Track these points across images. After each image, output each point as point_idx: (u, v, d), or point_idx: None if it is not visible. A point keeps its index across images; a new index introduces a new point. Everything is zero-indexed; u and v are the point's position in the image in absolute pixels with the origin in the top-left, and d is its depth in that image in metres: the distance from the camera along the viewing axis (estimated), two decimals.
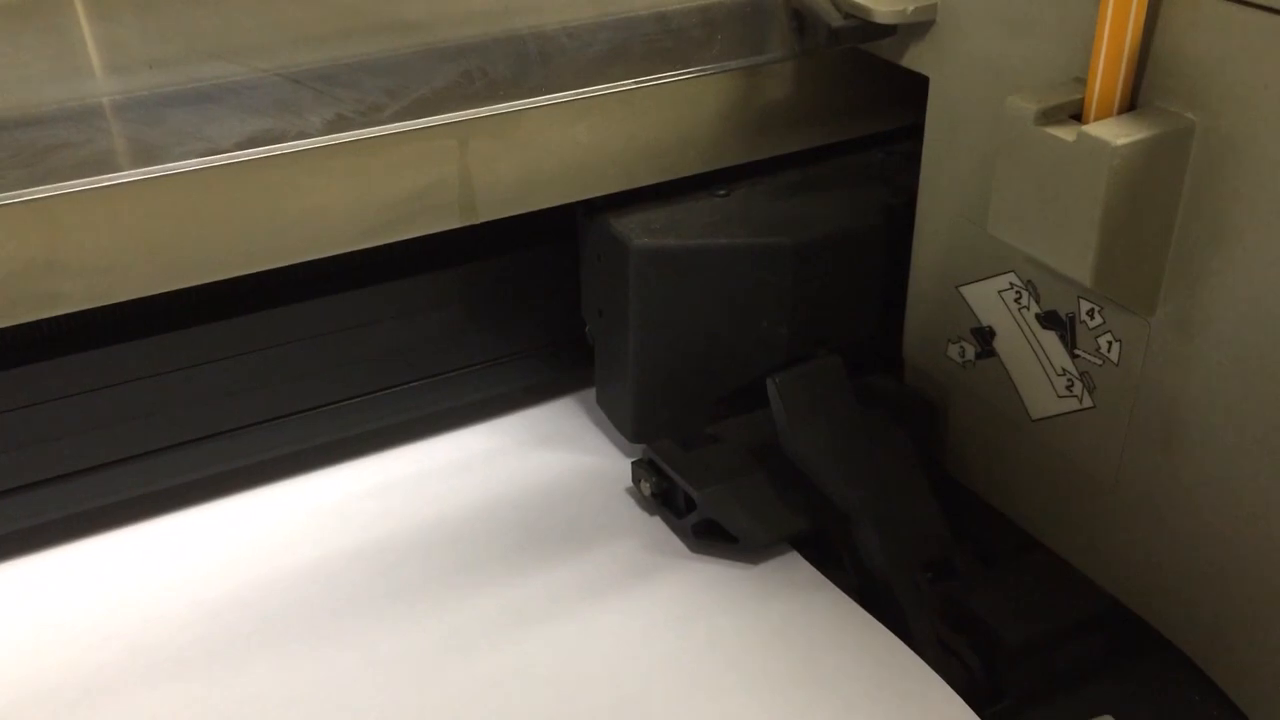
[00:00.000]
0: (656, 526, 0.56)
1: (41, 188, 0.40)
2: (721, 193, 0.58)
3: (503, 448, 0.61)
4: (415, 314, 0.57)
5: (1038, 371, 0.52)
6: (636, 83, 0.52)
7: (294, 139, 0.44)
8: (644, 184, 0.56)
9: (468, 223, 0.52)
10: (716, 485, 0.54)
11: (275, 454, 0.56)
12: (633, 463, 0.57)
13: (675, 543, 0.55)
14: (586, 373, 0.62)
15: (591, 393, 0.63)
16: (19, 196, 0.40)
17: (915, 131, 0.56)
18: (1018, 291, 0.52)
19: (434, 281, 0.57)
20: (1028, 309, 0.52)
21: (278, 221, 0.47)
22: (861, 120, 0.60)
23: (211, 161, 0.43)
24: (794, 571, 0.54)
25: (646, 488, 0.56)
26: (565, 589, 0.53)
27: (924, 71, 0.53)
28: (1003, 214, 0.47)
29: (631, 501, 0.58)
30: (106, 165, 0.41)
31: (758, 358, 0.57)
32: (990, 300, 0.53)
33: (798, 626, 0.51)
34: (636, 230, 0.54)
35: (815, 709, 0.47)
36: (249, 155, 0.44)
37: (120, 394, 0.51)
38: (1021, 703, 0.49)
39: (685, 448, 0.56)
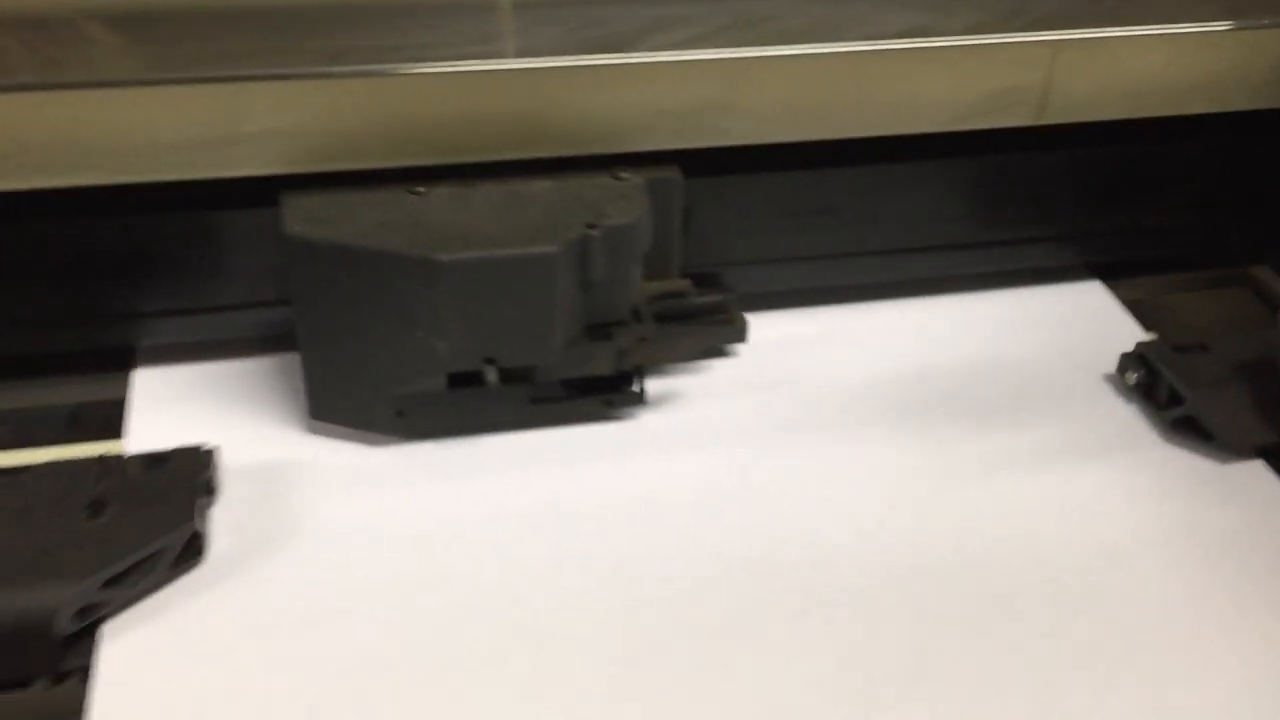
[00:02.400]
0: (1133, 413, 0.64)
1: (750, 48, 0.52)
2: (420, 190, 0.55)
3: (1008, 318, 0.70)
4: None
5: None
6: (1213, 26, 0.58)
7: (936, 35, 0.54)
8: (1186, 113, 0.62)
9: (1036, 123, 0.60)
10: (1205, 387, 0.61)
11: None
12: (1122, 354, 0.65)
13: (1148, 430, 0.63)
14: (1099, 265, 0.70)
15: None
16: (745, 52, 0.52)
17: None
18: None
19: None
20: None
21: (891, 99, 0.58)
22: None
23: (870, 45, 0.54)
24: (1257, 479, 0.61)
25: (1132, 378, 0.64)
26: (1042, 447, 0.62)
27: None
28: None
29: (1111, 388, 0.66)
30: (799, 37, 0.52)
31: (417, 365, 0.55)
32: None
33: (1249, 530, 0.58)
34: (301, 217, 0.53)
35: (1249, 615, 0.53)
36: (897, 45, 0.54)
37: None
38: None
39: (1176, 350, 0.64)
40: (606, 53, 0.52)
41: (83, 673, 0.49)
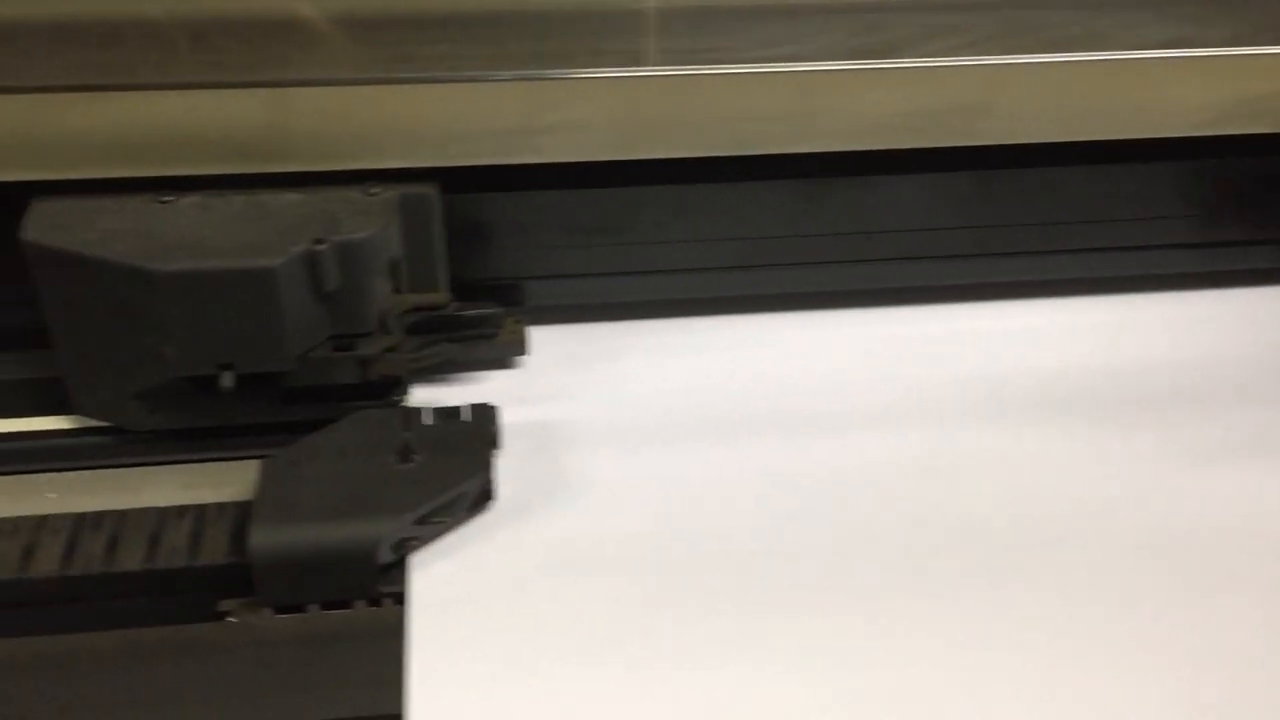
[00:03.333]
0: None
1: (996, 57, 0.56)
2: (167, 199, 0.57)
3: (1226, 317, 0.72)
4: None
5: None
6: None
7: (1195, 46, 0.57)
8: None
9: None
10: None
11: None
12: None
13: None
14: None
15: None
16: (997, 60, 0.56)
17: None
18: None
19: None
20: None
21: (1147, 104, 0.61)
22: None
23: (1129, 54, 0.57)
24: None
25: None
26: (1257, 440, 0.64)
27: None
28: None
29: None
30: (1070, 45, 0.56)
31: (150, 367, 0.57)
32: None
33: None
34: (42, 222, 0.55)
35: None
36: (1157, 54, 0.57)
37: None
38: None
39: None
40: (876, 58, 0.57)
41: (394, 597, 0.55)
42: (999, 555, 0.57)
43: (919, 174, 0.66)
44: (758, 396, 0.66)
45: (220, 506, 0.59)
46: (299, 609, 0.55)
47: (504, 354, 0.66)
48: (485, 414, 0.60)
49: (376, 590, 0.55)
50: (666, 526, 0.58)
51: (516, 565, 0.56)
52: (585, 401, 0.66)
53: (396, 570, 0.56)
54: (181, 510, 0.59)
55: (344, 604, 0.55)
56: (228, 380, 0.57)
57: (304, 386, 0.60)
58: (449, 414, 0.60)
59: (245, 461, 0.61)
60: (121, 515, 0.58)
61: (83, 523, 0.58)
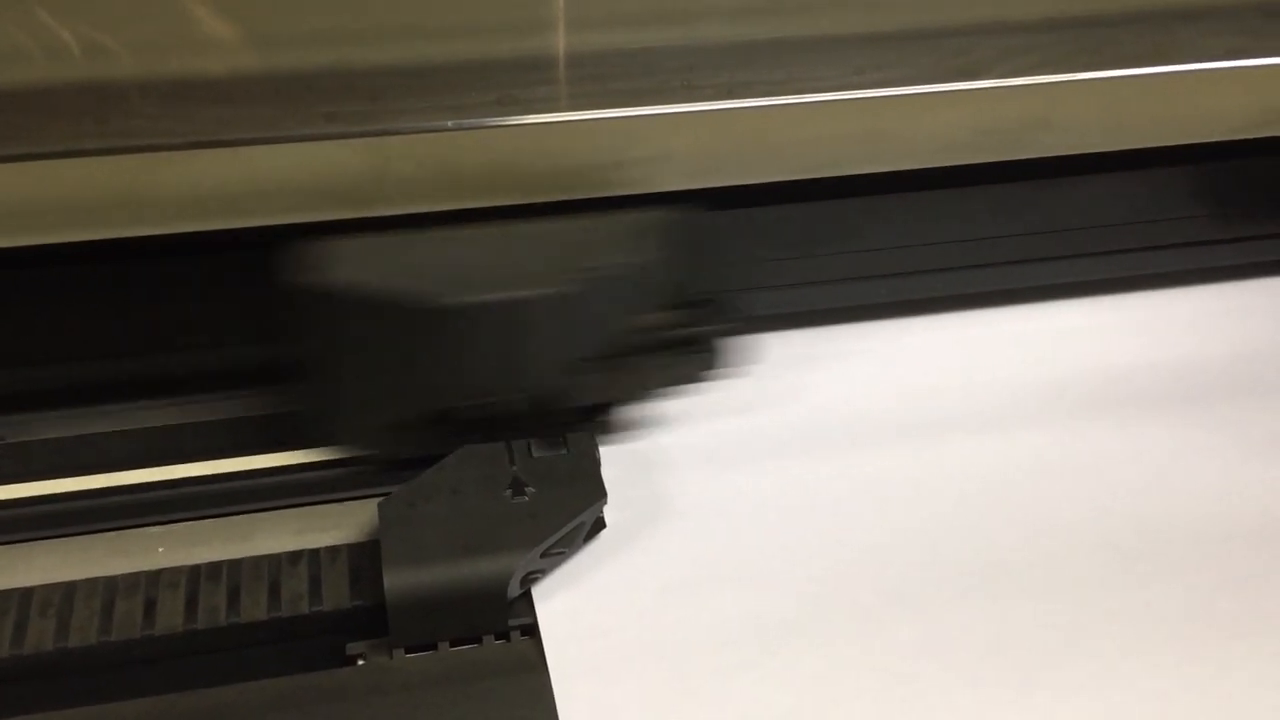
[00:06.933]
0: None
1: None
2: (430, 233, 0.58)
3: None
4: None
5: None
6: None
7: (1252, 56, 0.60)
8: None
9: None
10: None
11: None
12: None
13: None
14: None
15: None
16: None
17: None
18: None
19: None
20: None
21: (1187, 114, 0.64)
22: None
23: (1174, 68, 0.60)
24: None
25: None
26: None
27: None
28: None
29: None
30: (1134, 61, 0.59)
31: (415, 399, 0.59)
32: None
33: None
34: (308, 263, 0.56)
35: None
36: (1203, 66, 0.60)
37: None
38: None
39: None
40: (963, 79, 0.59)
41: (522, 630, 0.56)
42: (1148, 553, 0.59)
43: (972, 186, 0.68)
44: (837, 408, 0.68)
45: (333, 550, 0.59)
46: (428, 647, 0.55)
47: (730, 366, 0.65)
48: (585, 442, 0.61)
49: (505, 625, 0.56)
50: (778, 541, 0.60)
51: (639, 590, 0.57)
52: (669, 421, 0.67)
53: (521, 603, 0.57)
54: (294, 556, 0.59)
55: (473, 640, 0.56)
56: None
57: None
58: (550, 445, 0.61)
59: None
60: (237, 564, 0.58)
61: (198, 574, 0.58)
